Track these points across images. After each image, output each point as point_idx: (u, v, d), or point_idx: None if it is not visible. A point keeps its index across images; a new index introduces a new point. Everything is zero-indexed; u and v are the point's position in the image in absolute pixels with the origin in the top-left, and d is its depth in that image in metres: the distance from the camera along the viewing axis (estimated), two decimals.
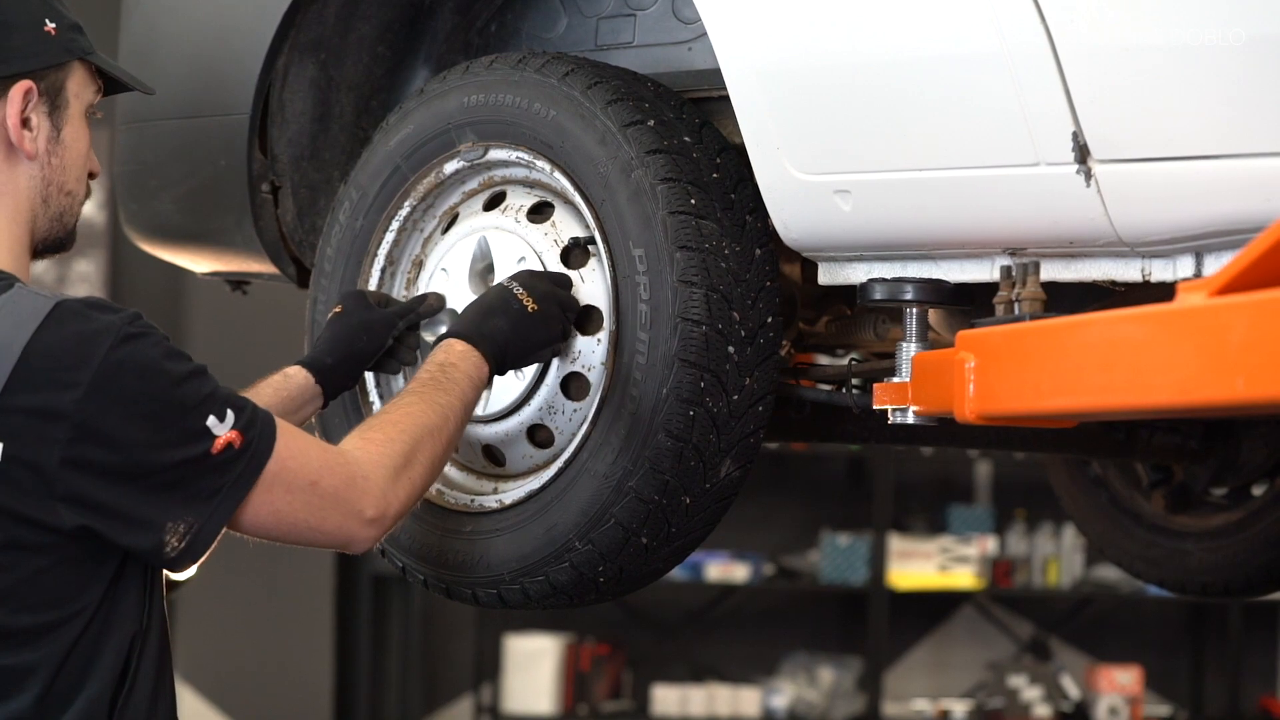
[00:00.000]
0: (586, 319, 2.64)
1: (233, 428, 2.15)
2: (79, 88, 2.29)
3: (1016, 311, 2.33)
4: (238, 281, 3.47)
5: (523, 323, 2.51)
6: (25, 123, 2.23)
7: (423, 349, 2.72)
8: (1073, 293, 2.49)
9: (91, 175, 2.34)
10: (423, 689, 7.73)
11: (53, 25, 2.24)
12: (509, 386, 2.68)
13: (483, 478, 2.79)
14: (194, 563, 2.17)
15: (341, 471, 2.23)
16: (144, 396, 2.10)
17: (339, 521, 2.23)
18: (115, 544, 2.13)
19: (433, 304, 2.72)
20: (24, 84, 2.22)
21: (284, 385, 2.60)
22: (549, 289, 2.56)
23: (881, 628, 7.65)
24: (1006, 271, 2.39)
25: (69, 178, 2.29)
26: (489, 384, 2.52)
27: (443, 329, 2.55)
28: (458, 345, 2.48)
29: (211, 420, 2.14)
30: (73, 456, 2.07)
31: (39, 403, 2.07)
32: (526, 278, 2.56)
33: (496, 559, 2.68)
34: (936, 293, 2.51)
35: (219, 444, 2.14)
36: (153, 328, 2.15)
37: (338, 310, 2.68)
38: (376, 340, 2.66)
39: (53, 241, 2.30)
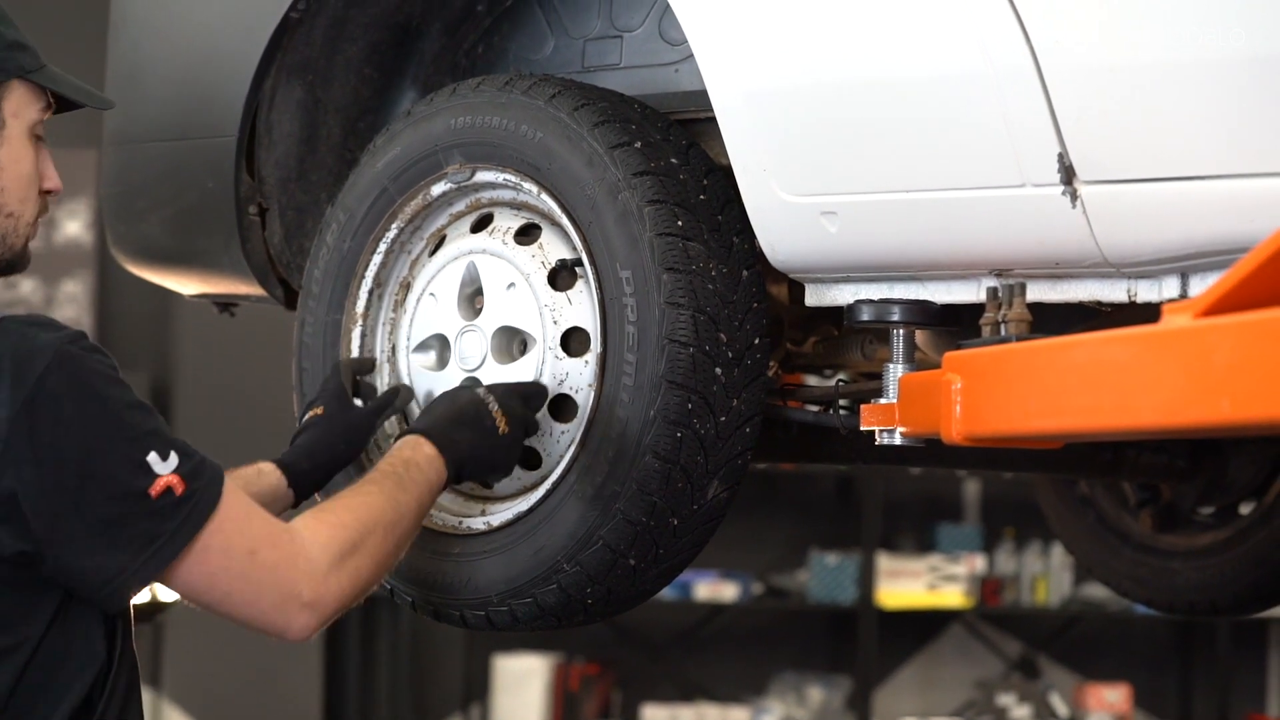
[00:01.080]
0: (574, 341, 2.64)
1: (175, 471, 2.07)
2: (18, 107, 2.21)
3: (1002, 333, 2.34)
4: (225, 303, 3.47)
5: (489, 443, 2.44)
6: None
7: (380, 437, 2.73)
8: (1059, 314, 2.49)
9: (49, 193, 2.25)
10: (412, 709, 7.72)
11: None
12: None
13: (470, 500, 2.79)
14: (118, 607, 2.10)
15: (284, 546, 2.14)
16: (79, 420, 2.02)
17: (274, 600, 2.13)
18: (47, 574, 2.05)
19: (405, 397, 2.66)
20: None
21: (255, 480, 2.51)
22: (522, 413, 2.49)
23: (870, 647, 7.65)
24: (993, 293, 2.39)
25: (9, 199, 2.20)
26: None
27: (493, 403, 2.46)
28: (426, 447, 2.39)
29: (153, 457, 2.06)
30: (2, 477, 2.00)
31: None
32: (504, 395, 2.48)
33: (484, 581, 2.67)
34: (923, 314, 2.51)
35: (159, 486, 2.05)
36: (97, 349, 2.08)
37: (318, 412, 2.60)
38: (356, 446, 2.61)
39: (2, 265, 2.22)
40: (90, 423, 2.03)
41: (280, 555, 2.13)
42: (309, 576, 2.15)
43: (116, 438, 2.05)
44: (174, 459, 2.07)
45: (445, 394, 2.55)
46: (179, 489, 2.07)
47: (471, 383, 2.69)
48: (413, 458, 2.38)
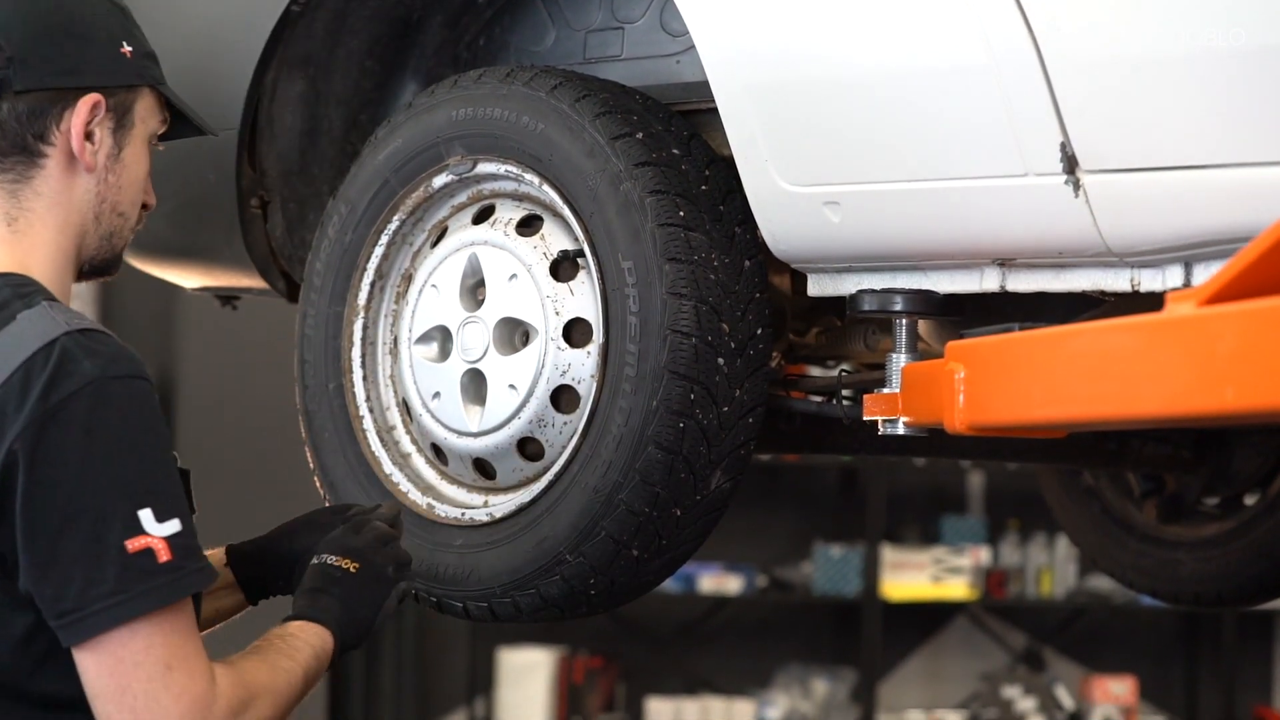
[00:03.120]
0: (576, 332, 2.64)
1: (166, 538, 2.02)
2: (146, 113, 2.29)
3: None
4: (227, 296, 3.47)
5: (350, 588, 2.32)
6: (89, 135, 2.22)
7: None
8: (1063, 302, 2.49)
9: (146, 207, 2.31)
10: (416, 702, 7.72)
11: (129, 49, 2.25)
12: (500, 400, 2.68)
13: (473, 491, 2.79)
14: (69, 644, 2.03)
15: (199, 681, 2.05)
16: (83, 455, 2.01)
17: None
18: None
19: (386, 512, 2.46)
20: (93, 97, 2.21)
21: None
22: (364, 543, 2.36)
23: (875, 639, 7.64)
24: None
25: (124, 198, 2.26)
26: (342, 653, 2.29)
27: (330, 557, 2.34)
28: (294, 624, 2.29)
29: (146, 514, 2.01)
30: (4, 479, 2.00)
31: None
32: (338, 544, 2.36)
33: (487, 572, 2.67)
34: (926, 303, 2.51)
35: (139, 543, 2.00)
36: (140, 385, 2.06)
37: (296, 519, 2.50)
38: (308, 541, 2.42)
39: (100, 263, 2.28)
40: (93, 461, 2.01)
41: (190, 686, 2.04)
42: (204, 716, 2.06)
43: (115, 481, 2.02)
44: (172, 526, 2.03)
45: (370, 579, 2.37)
46: (162, 555, 2.01)
47: (472, 374, 2.70)
48: (285, 631, 2.26)
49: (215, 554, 2.44)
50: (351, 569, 2.32)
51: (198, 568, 2.05)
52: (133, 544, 2.00)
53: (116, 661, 2.01)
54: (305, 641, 2.23)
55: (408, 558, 2.39)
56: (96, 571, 2.00)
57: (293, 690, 2.17)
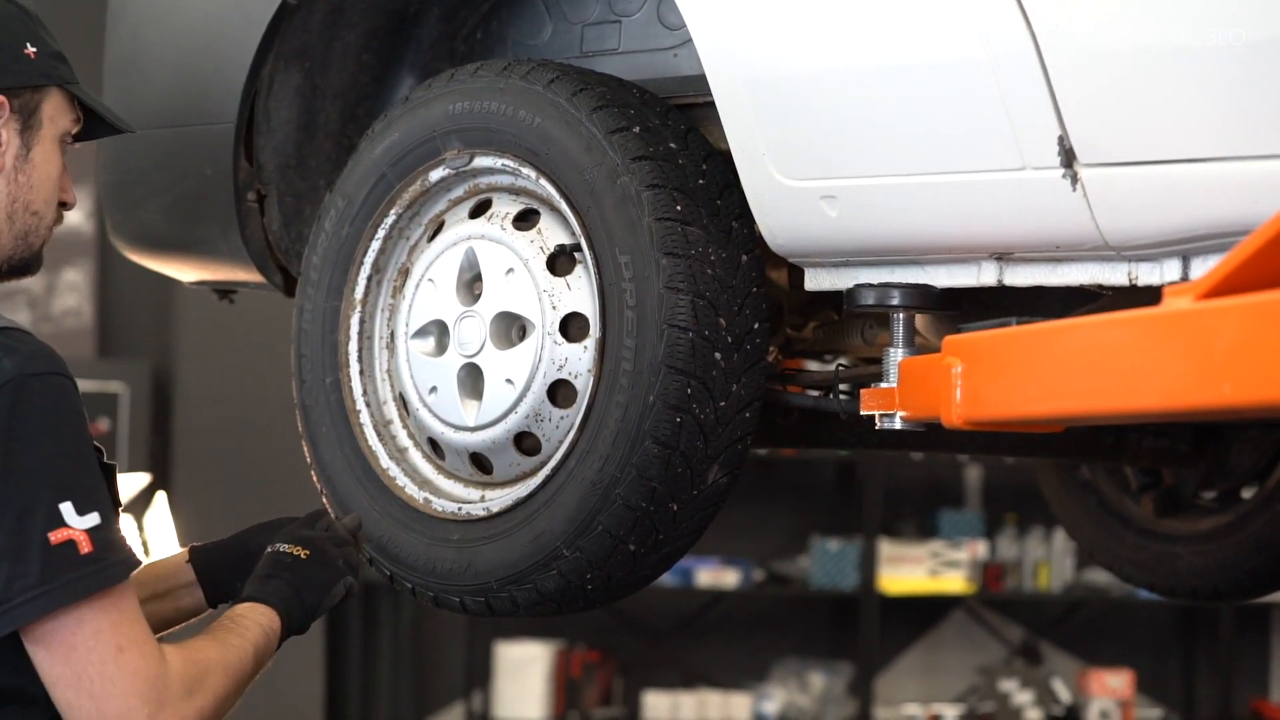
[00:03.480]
0: (573, 326, 2.64)
1: (87, 530, 2.07)
2: (55, 113, 2.30)
3: None
4: (224, 290, 3.47)
5: (299, 572, 2.37)
6: None
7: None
8: (1060, 297, 2.49)
9: (65, 205, 2.34)
10: (413, 696, 7.72)
11: (33, 50, 2.27)
12: (497, 394, 2.68)
13: (470, 486, 2.79)
14: None
15: (152, 660, 2.11)
16: (3, 450, 2.05)
17: (120, 707, 2.09)
18: None
19: (349, 521, 2.52)
20: None
21: (161, 560, 2.51)
22: (317, 535, 2.42)
23: (872, 633, 7.65)
24: None
25: (36, 197, 2.29)
26: (288, 635, 2.35)
27: (283, 545, 2.41)
28: (241, 606, 2.34)
29: (67, 507, 2.07)
30: None
31: None
32: (292, 533, 2.42)
33: (484, 567, 2.67)
34: (923, 298, 2.51)
35: (61, 535, 2.06)
36: (59, 380, 2.10)
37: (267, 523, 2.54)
38: (269, 541, 2.46)
39: (18, 262, 2.30)
40: (14, 457, 2.06)
41: (144, 665, 2.10)
42: (158, 695, 2.11)
43: (37, 476, 2.07)
44: (92, 519, 2.08)
45: (317, 564, 2.42)
46: (83, 547, 2.07)
47: (469, 369, 2.70)
48: (234, 612, 2.31)
49: (178, 555, 2.50)
50: (302, 555, 2.38)
51: (118, 559, 2.10)
52: (55, 536, 2.06)
53: (69, 650, 2.08)
54: (254, 621, 2.29)
55: (358, 561, 2.45)
56: (20, 564, 2.06)
57: (244, 666, 2.23)
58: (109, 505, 2.13)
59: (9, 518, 2.06)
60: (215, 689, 2.18)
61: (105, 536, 2.09)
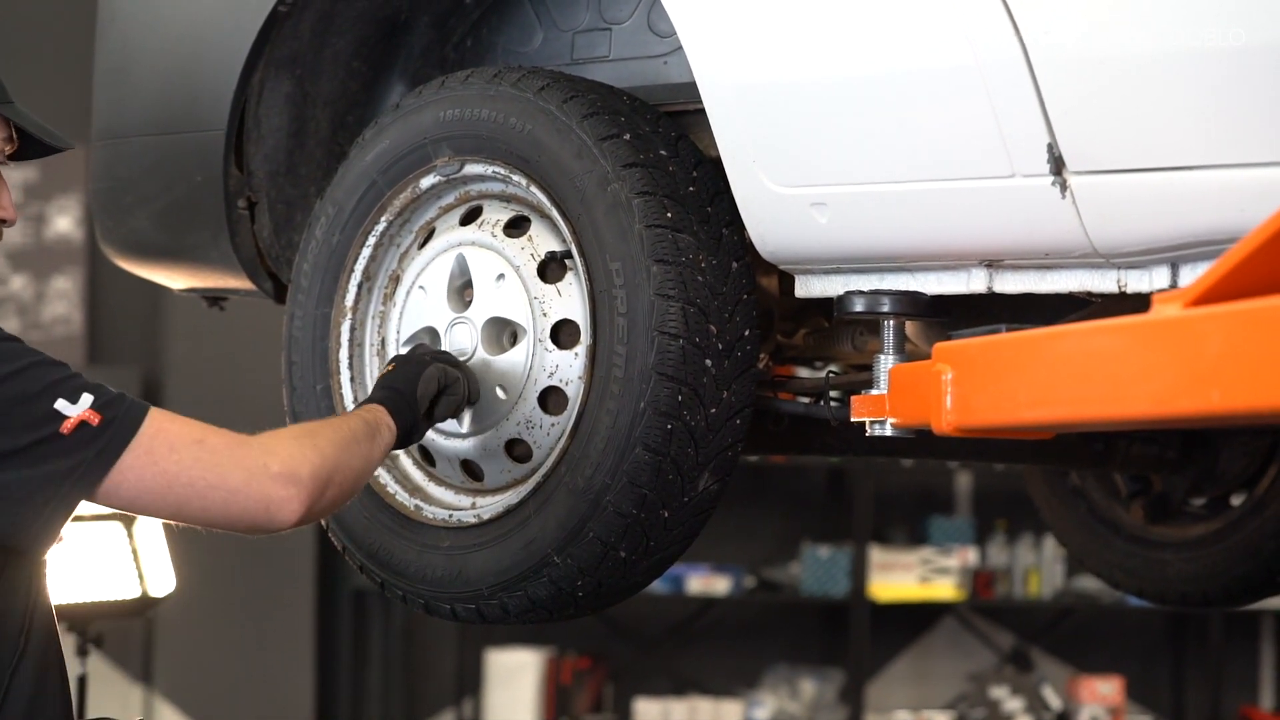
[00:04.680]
0: (564, 333, 2.64)
1: (90, 408, 2.19)
2: None
3: None
4: (214, 297, 3.47)
5: (386, 376, 2.59)
6: None
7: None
8: (1050, 304, 2.49)
9: (4, 222, 2.40)
10: (404, 704, 7.71)
11: None
12: (488, 401, 2.68)
13: (461, 493, 2.78)
14: (51, 540, 2.21)
15: (234, 434, 2.26)
16: None
17: (245, 477, 2.24)
18: None
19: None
20: None
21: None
22: (414, 354, 2.65)
23: (863, 639, 7.65)
24: None
25: None
26: (404, 423, 2.55)
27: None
28: (385, 418, 2.53)
29: (61, 403, 2.18)
30: None
31: None
32: (405, 354, 2.66)
33: (475, 574, 2.67)
34: (913, 305, 2.51)
35: (70, 424, 2.18)
36: (6, 345, 2.19)
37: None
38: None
39: None
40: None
41: (231, 438, 2.25)
42: (271, 452, 2.26)
43: (16, 401, 2.17)
44: (86, 399, 2.19)
45: (403, 363, 2.62)
46: (94, 420, 2.19)
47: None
48: (373, 420, 2.49)
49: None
50: (388, 367, 2.60)
51: (129, 404, 2.22)
52: (66, 429, 2.18)
53: (164, 475, 2.21)
54: (354, 414, 2.49)
55: (456, 366, 2.63)
56: (60, 464, 2.17)
57: (338, 436, 2.38)
58: (94, 382, 2.22)
59: (19, 438, 2.16)
60: (329, 444, 2.32)
61: (104, 400, 2.20)
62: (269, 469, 2.25)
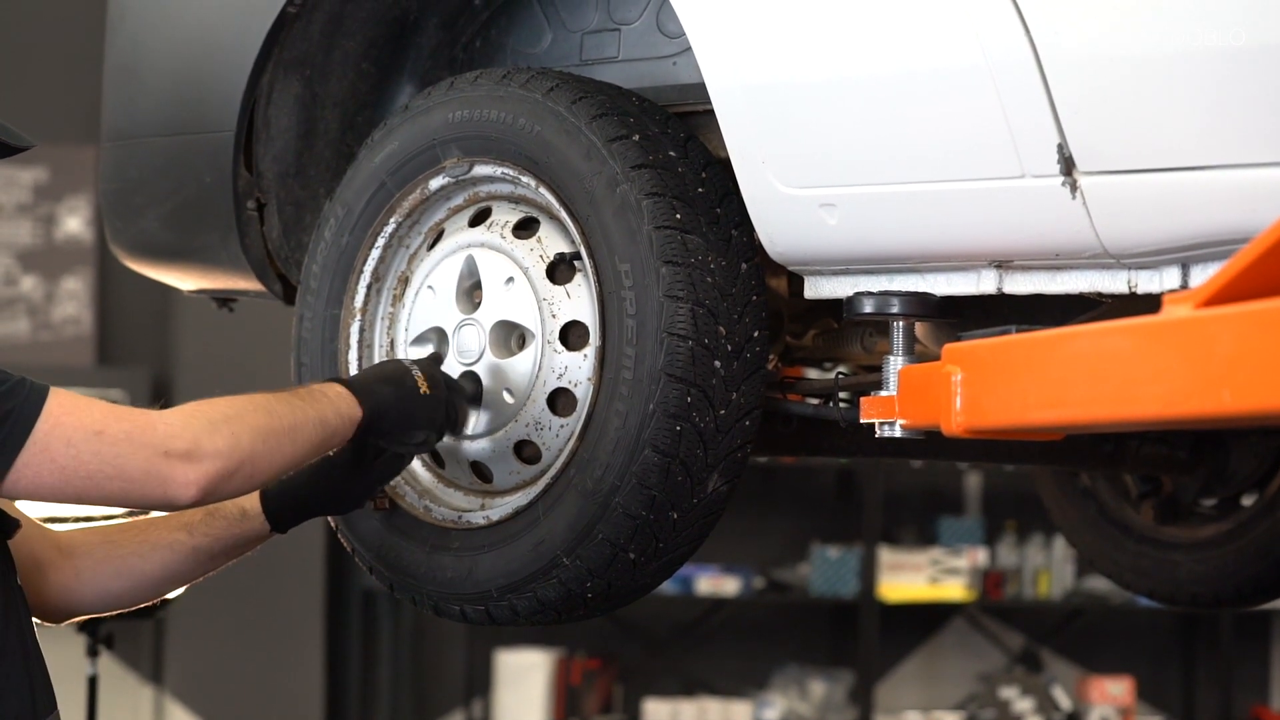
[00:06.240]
0: (572, 335, 2.64)
1: None
2: None
3: None
4: (224, 298, 3.47)
5: (410, 399, 2.51)
6: None
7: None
8: (1060, 304, 2.49)
9: None
10: (413, 704, 7.71)
11: None
12: (496, 403, 2.68)
13: (470, 494, 2.78)
14: None
15: (136, 419, 2.21)
16: None
17: (143, 465, 2.19)
18: None
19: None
20: None
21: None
22: (446, 381, 2.58)
23: (872, 640, 7.65)
24: None
25: None
26: (355, 438, 2.48)
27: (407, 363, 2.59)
28: (338, 387, 2.47)
29: None
30: None
31: None
32: (428, 365, 2.58)
33: (484, 575, 2.67)
34: (923, 306, 2.51)
35: None
36: None
37: (331, 455, 2.58)
38: (344, 505, 2.65)
39: None
40: None
41: (132, 425, 2.19)
42: (174, 435, 2.21)
43: None
44: None
45: (373, 365, 2.58)
46: None
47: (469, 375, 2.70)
48: (318, 388, 2.45)
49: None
50: (423, 389, 2.52)
51: (27, 391, 2.17)
52: None
53: (62, 470, 2.17)
54: (332, 401, 2.42)
55: (459, 416, 2.58)
56: None
57: (298, 421, 2.34)
58: None
59: None
60: (251, 423, 2.27)
61: (4, 390, 2.15)
62: (172, 450, 2.21)
